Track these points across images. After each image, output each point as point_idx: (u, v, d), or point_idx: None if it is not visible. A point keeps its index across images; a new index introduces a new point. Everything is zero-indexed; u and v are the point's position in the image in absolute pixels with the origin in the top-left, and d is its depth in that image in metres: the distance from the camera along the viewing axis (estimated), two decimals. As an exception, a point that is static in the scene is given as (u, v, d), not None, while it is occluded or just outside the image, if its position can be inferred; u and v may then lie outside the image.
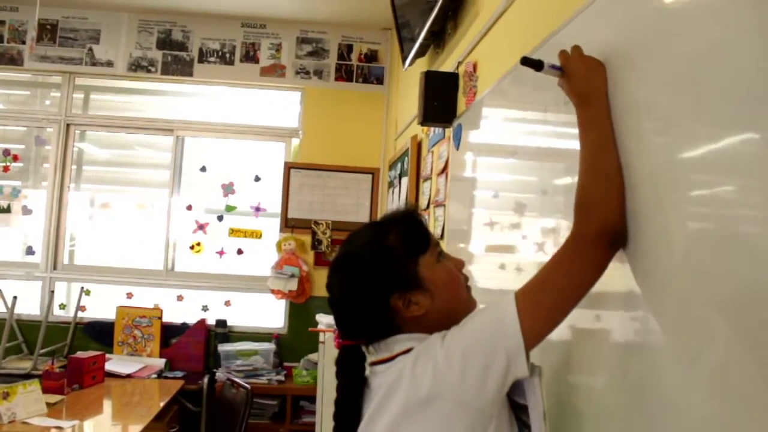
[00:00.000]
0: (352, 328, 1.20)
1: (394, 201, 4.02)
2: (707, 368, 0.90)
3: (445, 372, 1.03)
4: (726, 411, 0.85)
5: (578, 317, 1.19)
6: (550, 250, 1.51)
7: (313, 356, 4.43)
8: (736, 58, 0.87)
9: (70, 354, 4.07)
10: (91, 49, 4.85)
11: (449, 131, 2.67)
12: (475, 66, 2.39)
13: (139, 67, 4.89)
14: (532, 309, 1.04)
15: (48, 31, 4.82)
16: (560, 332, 1.13)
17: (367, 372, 1.18)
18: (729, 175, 0.88)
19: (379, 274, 1.16)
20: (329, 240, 4.85)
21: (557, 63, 1.19)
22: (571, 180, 1.27)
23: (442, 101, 2.59)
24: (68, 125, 4.92)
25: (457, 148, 2.47)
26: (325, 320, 3.16)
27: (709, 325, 0.90)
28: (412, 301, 1.14)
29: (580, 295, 1.07)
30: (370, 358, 1.19)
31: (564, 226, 1.39)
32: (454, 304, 1.18)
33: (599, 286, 1.10)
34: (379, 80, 5.03)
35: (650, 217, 1.05)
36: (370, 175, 4.98)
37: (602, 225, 1.06)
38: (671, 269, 0.99)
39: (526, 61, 1.20)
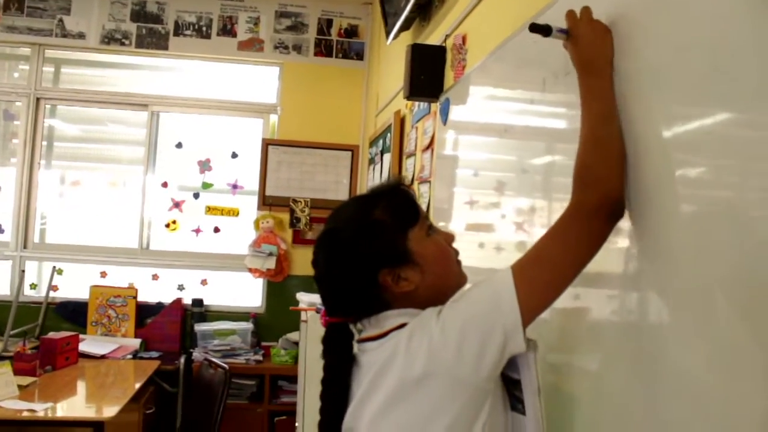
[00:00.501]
0: (339, 305, 1.17)
1: (375, 178, 3.96)
2: (709, 346, 0.88)
3: (441, 348, 1.00)
4: (729, 389, 0.83)
5: (573, 293, 1.16)
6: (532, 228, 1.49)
7: (291, 335, 4.39)
8: (759, 18, 0.81)
9: (42, 335, 3.97)
10: (61, 20, 4.68)
11: (435, 106, 2.61)
12: (464, 39, 2.33)
13: (112, 39, 4.73)
14: (529, 283, 1.01)
15: (15, 1, 4.64)
16: (555, 309, 1.09)
17: (355, 350, 1.14)
18: (743, 149, 0.83)
19: (367, 249, 1.12)
20: (308, 218, 4.79)
21: (564, 27, 1.15)
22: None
23: (428, 75, 2.52)
24: (38, 99, 4.76)
25: (445, 123, 2.41)
26: (305, 299, 3.10)
27: (711, 302, 0.88)
28: (401, 277, 1.11)
29: (578, 268, 1.04)
30: (358, 336, 1.15)
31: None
32: (444, 279, 1.15)
33: (598, 263, 1.06)
34: (359, 56, 4.94)
35: (653, 191, 1.01)
36: (349, 152, 4.91)
37: (602, 197, 1.03)
38: (672, 245, 0.96)
39: (535, 28, 1.16)
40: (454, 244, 1.20)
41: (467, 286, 1.18)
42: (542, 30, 1.15)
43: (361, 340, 1.13)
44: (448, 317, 1.03)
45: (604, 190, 1.03)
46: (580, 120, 1.10)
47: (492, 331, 0.99)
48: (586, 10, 1.14)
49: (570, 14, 1.14)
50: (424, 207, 2.65)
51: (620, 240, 1.09)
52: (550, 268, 1.03)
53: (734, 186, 0.87)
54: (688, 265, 0.93)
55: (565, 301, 1.08)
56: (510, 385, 1.08)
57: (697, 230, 0.92)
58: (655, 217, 1.02)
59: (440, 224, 2.31)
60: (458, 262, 1.19)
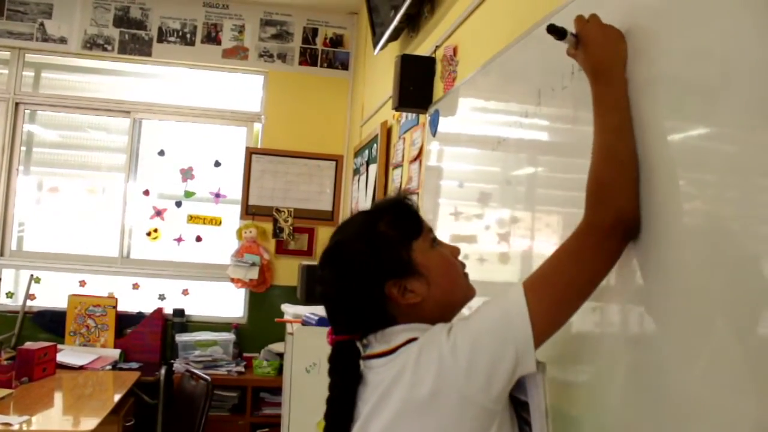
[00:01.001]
0: (346, 320, 1.15)
1: (360, 189, 3.94)
2: (711, 364, 0.88)
3: (451, 367, 0.98)
4: (738, 407, 0.83)
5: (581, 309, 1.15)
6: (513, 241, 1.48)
7: (274, 346, 4.34)
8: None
9: (19, 345, 3.87)
10: (42, 24, 4.62)
11: (423, 117, 2.60)
12: (455, 50, 2.32)
13: (94, 45, 4.67)
14: (542, 302, 0.99)
15: (-4, 4, 4.57)
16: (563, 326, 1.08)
17: (362, 367, 1.12)
18: (758, 163, 0.82)
19: (372, 262, 1.11)
20: (291, 228, 4.76)
21: (573, 31, 1.12)
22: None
23: (417, 86, 2.52)
24: (17, 104, 4.68)
25: (434, 134, 2.40)
26: (291, 310, 3.07)
27: (713, 320, 0.88)
28: (407, 289, 1.09)
29: (592, 287, 1.02)
30: (364, 352, 1.13)
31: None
32: (451, 291, 1.14)
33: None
34: (344, 65, 4.93)
35: (663, 207, 1.00)
36: (333, 162, 4.89)
37: (618, 215, 1.00)
38: (683, 263, 0.95)
39: (552, 29, 1.11)
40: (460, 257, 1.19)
41: (476, 300, 1.16)
42: (558, 32, 1.11)
43: (368, 357, 1.12)
44: (458, 335, 1.01)
45: (619, 207, 1.01)
46: (593, 130, 1.07)
47: (503, 350, 0.98)
48: (594, 16, 1.11)
49: (579, 18, 1.12)
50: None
51: (627, 255, 1.07)
52: (563, 288, 1.01)
53: (735, 201, 0.86)
54: (687, 278, 0.93)
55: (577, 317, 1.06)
56: (518, 407, 1.07)
57: (699, 245, 0.92)
58: (654, 230, 1.01)
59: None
60: (465, 275, 1.18)
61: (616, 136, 1.04)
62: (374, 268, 1.11)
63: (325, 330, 2.59)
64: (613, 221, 1.00)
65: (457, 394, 0.97)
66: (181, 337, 4.38)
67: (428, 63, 2.54)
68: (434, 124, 2.40)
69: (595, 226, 1.01)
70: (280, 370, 4.15)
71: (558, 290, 1.01)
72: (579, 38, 1.11)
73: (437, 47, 2.52)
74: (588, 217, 1.02)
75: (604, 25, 1.10)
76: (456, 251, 1.19)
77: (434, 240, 1.16)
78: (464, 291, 1.16)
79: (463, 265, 1.19)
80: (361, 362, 1.12)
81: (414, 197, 2.67)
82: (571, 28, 1.13)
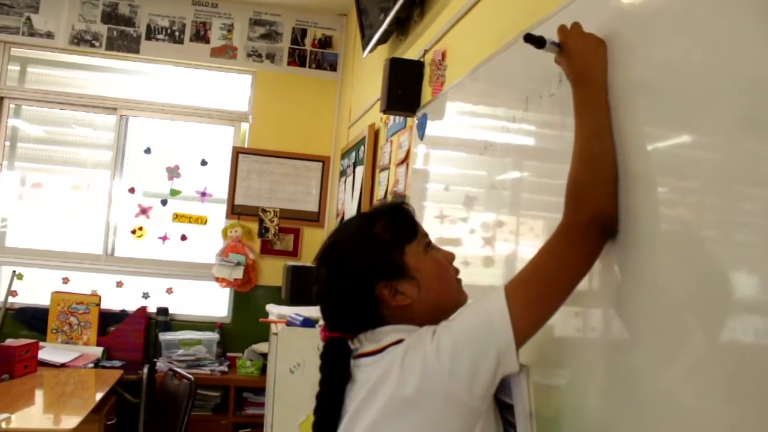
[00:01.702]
0: (338, 319, 1.18)
1: (346, 190, 3.95)
2: (690, 366, 0.90)
3: (435, 368, 1.00)
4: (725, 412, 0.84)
5: (560, 313, 1.16)
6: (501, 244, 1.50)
7: (257, 346, 4.34)
8: (751, 38, 0.83)
9: (0, 342, 3.85)
10: (29, 19, 4.58)
11: (411, 121, 2.61)
12: (444, 54, 2.34)
13: (81, 40, 4.64)
14: (522, 303, 1.02)
15: (-18, -2, 4.53)
16: (542, 330, 1.09)
17: (352, 365, 1.14)
18: (736, 171, 0.85)
19: (364, 262, 1.14)
20: (276, 228, 4.76)
21: (557, 40, 1.16)
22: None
23: (406, 89, 2.53)
24: (2, 98, 4.64)
25: (422, 138, 2.42)
26: (276, 311, 3.06)
27: (690, 326, 0.90)
28: (398, 291, 1.12)
29: (571, 287, 1.05)
30: (355, 351, 1.16)
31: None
32: (442, 296, 1.16)
33: (584, 282, 1.07)
34: (333, 67, 4.94)
35: (642, 213, 1.02)
36: (320, 163, 4.89)
37: (594, 215, 1.03)
38: (661, 268, 0.97)
39: (529, 38, 1.16)
40: (455, 263, 1.22)
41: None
42: (536, 41, 1.16)
43: (358, 356, 1.14)
44: (442, 336, 1.03)
45: (595, 207, 1.04)
46: (573, 135, 1.10)
47: (485, 350, 1.00)
48: (576, 25, 1.15)
49: (561, 28, 1.16)
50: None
51: (606, 257, 1.09)
52: (543, 288, 1.04)
53: (714, 208, 0.89)
54: (665, 284, 0.95)
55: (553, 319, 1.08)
56: (503, 409, 1.09)
57: (677, 251, 0.94)
58: (632, 236, 1.03)
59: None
60: (458, 281, 1.21)
61: (594, 138, 1.07)
62: (366, 268, 1.13)
63: (310, 330, 2.60)
64: (590, 220, 1.03)
65: (441, 392, 1.00)
66: (165, 336, 4.36)
67: (417, 67, 2.56)
68: (422, 127, 2.41)
69: (572, 226, 1.04)
70: (263, 370, 4.14)
71: (538, 290, 1.03)
72: (561, 47, 1.14)
73: (426, 51, 2.53)
74: (566, 217, 1.05)
75: (585, 33, 1.14)
76: (450, 257, 1.21)
77: (429, 245, 1.19)
78: (455, 296, 1.19)
79: (457, 271, 1.21)
80: (352, 360, 1.14)
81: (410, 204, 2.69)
82: (556, 36, 1.16)
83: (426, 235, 1.20)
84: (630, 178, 1.05)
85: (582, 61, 1.11)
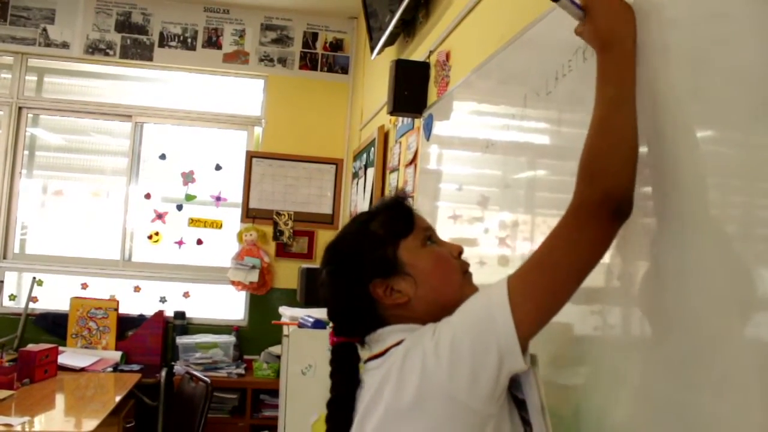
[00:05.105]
0: (341, 322, 1.14)
1: (359, 192, 3.97)
2: (719, 369, 0.84)
3: (434, 368, 0.93)
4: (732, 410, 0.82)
5: (579, 311, 1.14)
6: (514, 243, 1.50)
7: (273, 349, 4.36)
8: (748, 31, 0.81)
9: (21, 347, 3.91)
10: (45, 30, 4.66)
11: (418, 122, 2.62)
12: (448, 55, 2.35)
13: (96, 49, 4.72)
14: (525, 293, 0.92)
15: (-1, 9, 4.62)
16: (561, 327, 1.08)
17: (362, 370, 1.10)
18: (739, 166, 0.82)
19: (357, 261, 1.09)
20: (291, 231, 4.78)
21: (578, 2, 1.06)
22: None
23: (412, 91, 2.55)
24: (20, 108, 4.72)
25: (428, 138, 2.43)
26: (288, 313, 3.09)
27: (709, 324, 0.86)
28: (394, 289, 1.06)
29: (580, 274, 0.94)
30: (364, 355, 1.12)
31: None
32: (442, 292, 1.07)
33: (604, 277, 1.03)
34: (344, 70, 4.96)
35: (663, 207, 0.96)
36: (333, 166, 4.92)
37: (606, 193, 0.92)
38: (680, 265, 0.91)
39: None
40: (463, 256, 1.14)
41: None
42: None
43: (367, 360, 1.09)
44: (441, 333, 0.96)
45: (610, 183, 0.92)
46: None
47: (485, 348, 0.91)
48: None
49: None
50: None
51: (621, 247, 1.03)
52: (549, 275, 0.93)
53: (735, 204, 0.85)
54: (684, 281, 0.91)
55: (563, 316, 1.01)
56: (518, 406, 1.01)
57: (699, 247, 0.89)
58: (643, 229, 0.99)
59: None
60: (465, 274, 1.12)
61: (613, 108, 0.96)
62: (359, 267, 1.08)
63: (321, 332, 2.62)
64: (600, 198, 0.92)
65: (442, 396, 0.92)
66: (182, 340, 4.41)
67: (422, 68, 2.57)
68: (428, 128, 2.42)
69: (582, 206, 0.94)
70: (279, 373, 4.17)
71: (543, 278, 0.93)
72: (586, 9, 1.03)
73: (431, 52, 2.55)
74: (576, 194, 0.95)
75: None
76: (456, 250, 1.12)
77: (429, 238, 1.11)
78: (458, 291, 1.07)
79: (467, 265, 1.13)
80: (362, 365, 1.10)
81: (409, 200, 2.69)
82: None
83: (427, 228, 1.12)
84: (670, 166, 0.95)
85: (607, 24, 1.00)
